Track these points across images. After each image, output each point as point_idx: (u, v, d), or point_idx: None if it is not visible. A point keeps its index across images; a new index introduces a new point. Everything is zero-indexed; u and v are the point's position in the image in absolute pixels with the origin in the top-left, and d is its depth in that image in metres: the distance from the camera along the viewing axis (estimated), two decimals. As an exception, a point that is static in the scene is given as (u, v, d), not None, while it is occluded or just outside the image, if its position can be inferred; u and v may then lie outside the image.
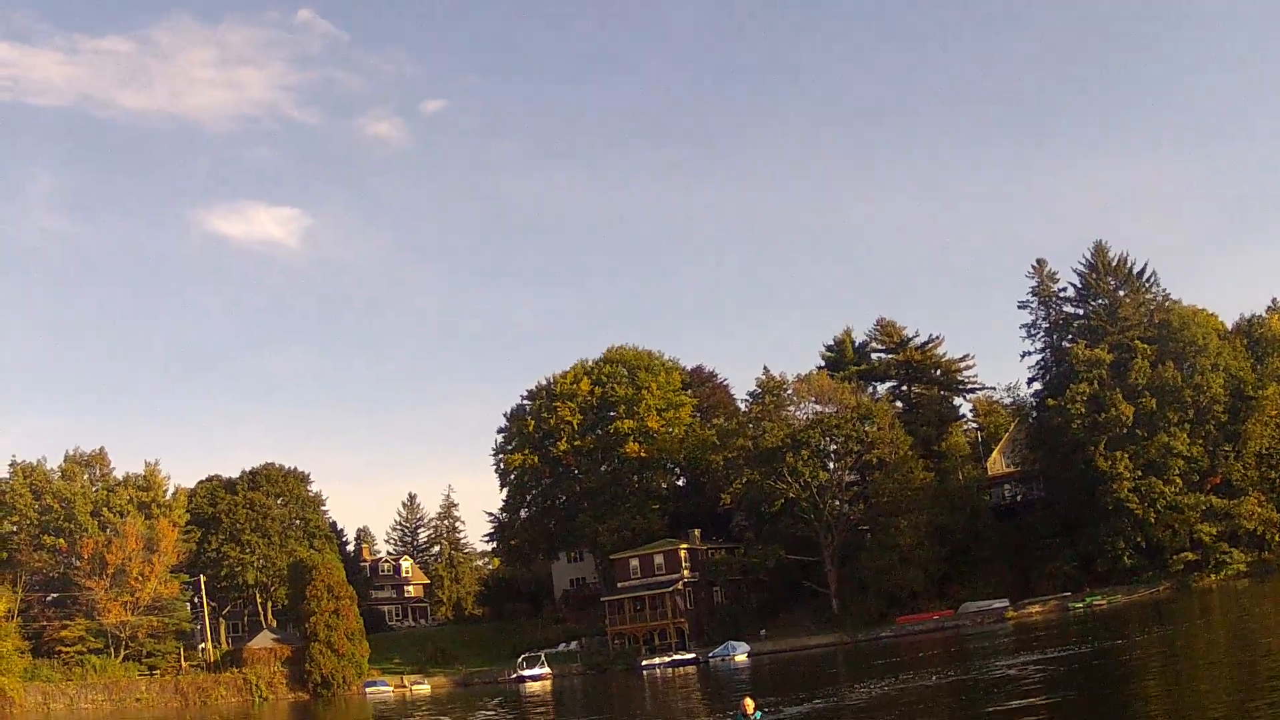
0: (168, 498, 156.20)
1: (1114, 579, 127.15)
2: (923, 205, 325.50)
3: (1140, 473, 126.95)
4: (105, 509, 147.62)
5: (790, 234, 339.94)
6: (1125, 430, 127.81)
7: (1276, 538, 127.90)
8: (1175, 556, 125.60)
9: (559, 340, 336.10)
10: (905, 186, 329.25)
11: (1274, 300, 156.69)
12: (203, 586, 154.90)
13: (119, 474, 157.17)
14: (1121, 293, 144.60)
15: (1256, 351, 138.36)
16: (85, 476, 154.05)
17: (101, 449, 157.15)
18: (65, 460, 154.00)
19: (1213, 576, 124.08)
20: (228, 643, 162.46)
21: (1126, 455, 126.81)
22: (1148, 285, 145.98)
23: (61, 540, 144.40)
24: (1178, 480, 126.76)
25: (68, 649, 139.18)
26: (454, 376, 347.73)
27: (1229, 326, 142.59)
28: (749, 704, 40.46)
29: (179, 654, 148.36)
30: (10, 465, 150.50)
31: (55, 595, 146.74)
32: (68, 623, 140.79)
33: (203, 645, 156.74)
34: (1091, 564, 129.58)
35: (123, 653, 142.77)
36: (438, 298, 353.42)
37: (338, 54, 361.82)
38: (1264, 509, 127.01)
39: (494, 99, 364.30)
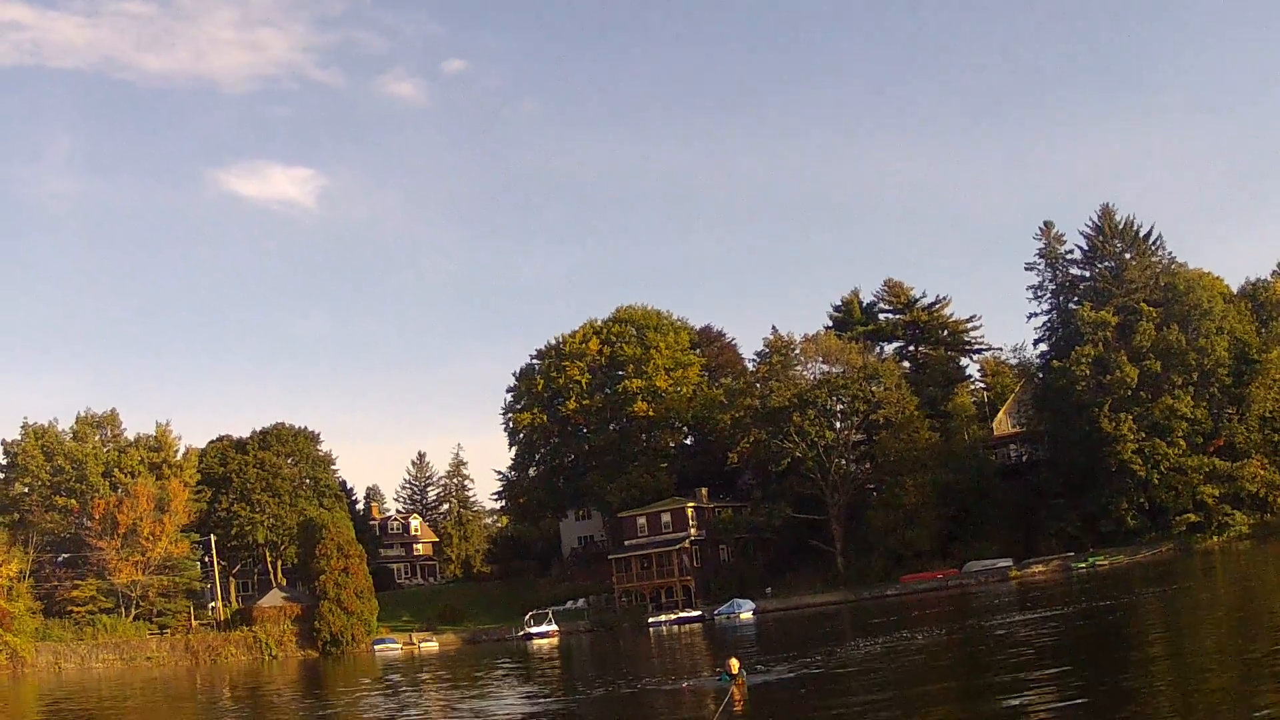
0: (178, 458, 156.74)
1: (1117, 540, 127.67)
2: (932, 168, 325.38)
3: (1144, 434, 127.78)
4: (116, 470, 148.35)
5: (800, 195, 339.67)
6: (1129, 392, 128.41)
7: (1278, 500, 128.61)
8: (1178, 518, 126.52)
9: (569, 300, 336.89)
10: (916, 149, 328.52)
11: (1279, 264, 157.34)
12: (213, 546, 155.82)
13: (130, 435, 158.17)
14: (1128, 256, 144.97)
15: (1261, 315, 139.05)
16: (96, 438, 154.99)
17: (113, 410, 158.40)
18: (76, 421, 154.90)
19: (1215, 538, 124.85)
20: (238, 601, 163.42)
21: (1130, 417, 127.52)
22: (1154, 249, 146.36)
23: (73, 501, 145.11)
24: (1181, 442, 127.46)
25: (79, 609, 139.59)
26: (465, 336, 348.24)
27: (1234, 290, 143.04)
28: (734, 663, 40.87)
29: (189, 613, 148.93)
30: (22, 427, 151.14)
31: (66, 556, 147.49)
32: (79, 583, 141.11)
33: (213, 604, 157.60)
34: (1095, 524, 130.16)
35: (133, 612, 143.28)
36: (452, 258, 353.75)
37: (359, 14, 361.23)
38: (1267, 472, 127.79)
39: (514, 60, 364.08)
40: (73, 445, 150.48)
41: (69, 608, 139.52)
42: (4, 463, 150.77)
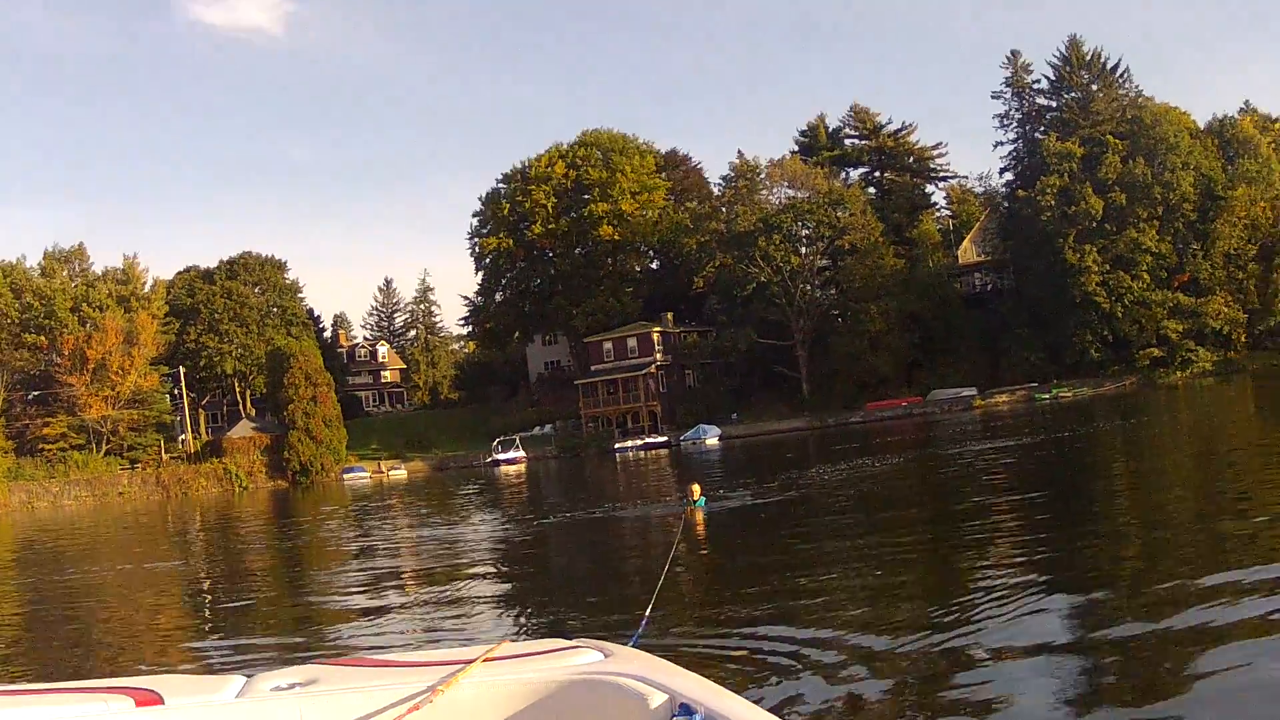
0: (146, 290, 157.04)
1: (1081, 371, 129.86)
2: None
3: (1109, 267, 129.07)
4: (85, 304, 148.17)
5: (767, 16, 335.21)
6: (1094, 224, 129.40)
7: (1242, 338, 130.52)
8: (1142, 352, 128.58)
9: (536, 125, 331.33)
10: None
11: (1246, 102, 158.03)
12: (182, 378, 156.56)
13: (98, 269, 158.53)
14: (1094, 87, 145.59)
15: (1227, 152, 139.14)
16: (65, 273, 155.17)
17: (80, 244, 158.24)
18: (44, 257, 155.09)
19: (1179, 373, 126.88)
20: (208, 433, 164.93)
21: (1095, 249, 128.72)
22: (1121, 81, 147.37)
23: (42, 338, 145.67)
24: (1145, 276, 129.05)
25: (50, 446, 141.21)
26: (432, 161, 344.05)
27: (1201, 126, 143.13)
28: (695, 489, 41.38)
29: (160, 446, 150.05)
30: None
31: (37, 393, 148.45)
32: (50, 420, 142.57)
33: (183, 436, 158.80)
34: (1059, 355, 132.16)
35: (104, 448, 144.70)
36: (419, 83, 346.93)
37: None
38: (1230, 309, 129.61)
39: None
40: (41, 282, 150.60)
41: (40, 446, 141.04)
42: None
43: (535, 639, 8.22)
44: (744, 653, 15.09)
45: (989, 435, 71.78)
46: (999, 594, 17.10)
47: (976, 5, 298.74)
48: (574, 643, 6.98)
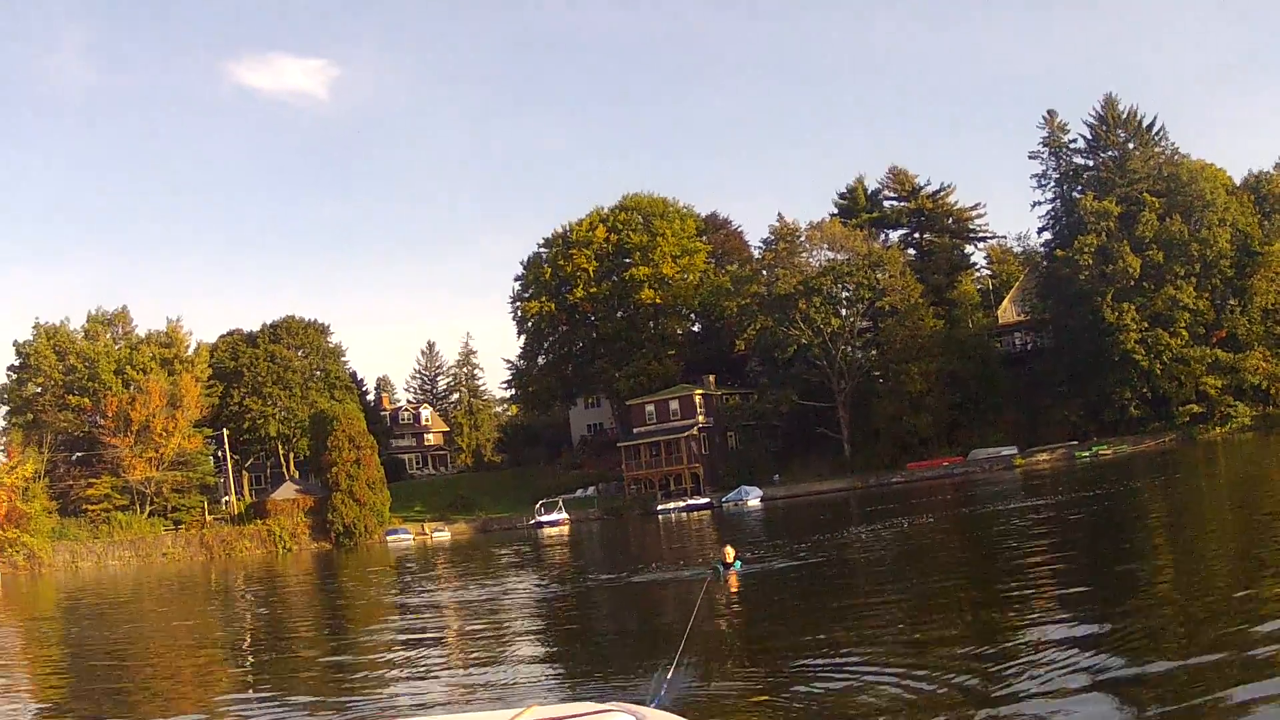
0: (190, 353, 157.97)
1: (1121, 429, 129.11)
2: (941, 51, 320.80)
3: (1147, 324, 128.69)
4: (128, 367, 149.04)
5: (807, 79, 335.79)
6: (1132, 282, 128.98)
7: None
8: (1181, 408, 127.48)
9: (577, 187, 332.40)
10: (922, 29, 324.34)
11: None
12: (225, 440, 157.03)
13: (141, 331, 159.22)
14: (1130, 146, 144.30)
15: (1264, 208, 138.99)
16: (108, 335, 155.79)
17: (123, 307, 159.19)
18: (88, 320, 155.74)
19: (1218, 429, 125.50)
20: (251, 495, 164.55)
21: (1133, 307, 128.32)
22: (1156, 139, 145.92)
23: (86, 399, 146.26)
24: (1184, 333, 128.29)
25: (94, 507, 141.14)
26: (473, 222, 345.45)
27: (1236, 182, 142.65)
28: (729, 552, 41.53)
29: (203, 508, 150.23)
30: (34, 327, 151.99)
31: (80, 454, 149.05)
32: (94, 481, 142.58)
33: (226, 498, 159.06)
34: (1099, 413, 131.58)
35: (148, 509, 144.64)
36: (463, 146, 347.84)
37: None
38: (1269, 364, 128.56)
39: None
40: (84, 344, 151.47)
41: (84, 506, 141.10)
42: (17, 363, 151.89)
43: (567, 701, 8.53)
44: (770, 708, 15.44)
45: (1029, 494, 71.76)
46: (1027, 658, 17.33)
47: (1012, 66, 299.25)
48: (606, 705, 7.19)
